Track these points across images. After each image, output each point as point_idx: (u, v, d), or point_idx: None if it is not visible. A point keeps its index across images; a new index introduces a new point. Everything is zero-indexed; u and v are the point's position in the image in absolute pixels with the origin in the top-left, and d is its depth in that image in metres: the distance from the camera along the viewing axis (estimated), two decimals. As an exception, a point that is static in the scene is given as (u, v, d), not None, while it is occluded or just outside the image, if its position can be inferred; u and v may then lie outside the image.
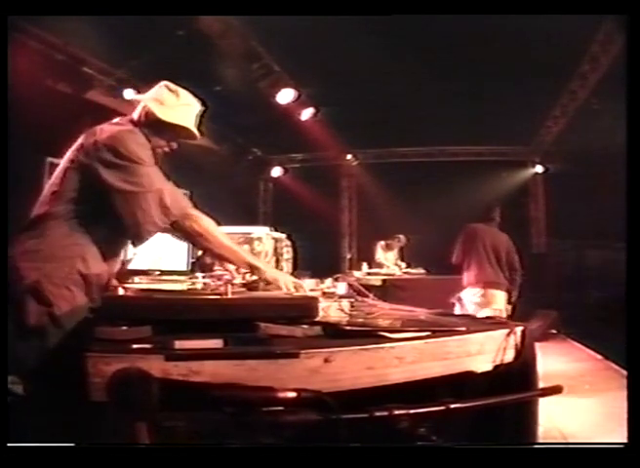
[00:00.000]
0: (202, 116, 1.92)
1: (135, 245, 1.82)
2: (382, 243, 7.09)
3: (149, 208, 1.61)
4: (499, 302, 4.55)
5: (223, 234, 1.73)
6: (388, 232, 7.27)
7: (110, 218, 1.63)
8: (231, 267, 1.97)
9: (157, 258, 2.99)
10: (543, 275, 8.14)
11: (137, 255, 2.27)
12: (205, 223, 1.69)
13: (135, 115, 1.83)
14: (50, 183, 1.73)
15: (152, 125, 1.80)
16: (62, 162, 1.74)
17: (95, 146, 1.65)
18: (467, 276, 4.71)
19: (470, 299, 4.63)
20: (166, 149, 1.87)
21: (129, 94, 5.68)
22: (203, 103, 1.90)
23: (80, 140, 1.73)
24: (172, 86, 1.85)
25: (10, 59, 1.61)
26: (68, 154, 1.73)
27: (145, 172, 1.65)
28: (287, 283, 1.69)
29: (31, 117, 3.76)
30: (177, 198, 1.67)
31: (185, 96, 1.85)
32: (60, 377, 1.25)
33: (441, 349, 1.27)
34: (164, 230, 1.69)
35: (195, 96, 1.88)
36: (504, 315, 4.35)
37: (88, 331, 1.18)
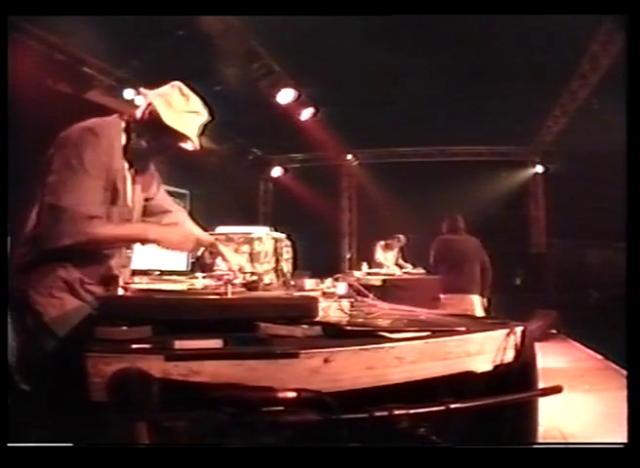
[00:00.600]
0: (206, 125, 1.87)
1: None
2: (382, 243, 7.09)
3: (44, 221, 1.57)
4: (471, 304, 4.96)
5: (111, 230, 1.67)
6: (388, 232, 7.26)
7: None
8: (234, 267, 1.97)
9: (157, 258, 2.99)
10: (543, 275, 8.16)
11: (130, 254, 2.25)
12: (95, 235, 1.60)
13: (139, 112, 1.77)
14: None
15: (154, 125, 1.72)
16: None
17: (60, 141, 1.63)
18: (443, 284, 5.09)
19: (446, 303, 4.94)
20: (161, 153, 1.84)
21: (129, 94, 5.68)
22: (211, 112, 1.84)
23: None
24: (184, 89, 1.78)
25: (10, 59, 1.61)
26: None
27: (71, 181, 1.56)
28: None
29: (31, 117, 3.76)
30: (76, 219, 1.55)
31: (195, 102, 1.79)
32: (61, 378, 1.25)
33: (441, 349, 1.27)
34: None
35: (205, 103, 1.82)
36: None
37: (88, 332, 1.18)
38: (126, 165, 1.75)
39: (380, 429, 1.00)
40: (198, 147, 1.82)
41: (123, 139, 1.73)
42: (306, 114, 6.97)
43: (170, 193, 2.21)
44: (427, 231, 7.86)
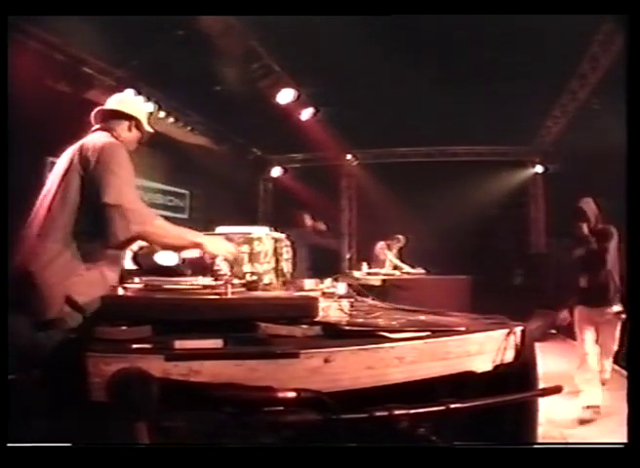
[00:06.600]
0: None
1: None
2: (383, 243, 7.10)
3: (112, 221, 1.70)
4: None
5: (170, 226, 1.89)
6: (388, 232, 7.27)
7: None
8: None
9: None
10: (543, 275, 8.15)
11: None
12: (158, 226, 1.83)
13: (123, 129, 2.01)
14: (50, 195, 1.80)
15: (137, 136, 2.05)
16: (57, 175, 1.82)
17: (85, 157, 1.77)
18: None
19: None
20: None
21: (129, 94, 5.68)
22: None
23: (70, 154, 1.82)
24: (130, 95, 2.08)
25: (10, 59, 1.61)
26: (63, 168, 1.81)
27: (118, 183, 1.74)
28: (220, 250, 1.93)
29: (31, 117, 3.76)
30: (138, 212, 1.76)
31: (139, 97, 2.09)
32: (61, 377, 1.25)
33: (441, 349, 1.27)
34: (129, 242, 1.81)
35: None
36: None
37: (88, 332, 1.18)
38: None
39: (380, 429, 1.00)
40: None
41: None
42: (306, 114, 6.96)
43: (170, 193, 2.28)
44: (427, 231, 7.89)
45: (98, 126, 2.00)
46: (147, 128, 2.09)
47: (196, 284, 1.82)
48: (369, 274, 6.09)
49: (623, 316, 3.53)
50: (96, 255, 1.77)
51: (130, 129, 2.03)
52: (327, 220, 6.75)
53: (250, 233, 2.22)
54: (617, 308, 3.59)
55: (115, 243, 1.73)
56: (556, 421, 3.23)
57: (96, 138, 1.87)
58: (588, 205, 3.83)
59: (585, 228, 3.69)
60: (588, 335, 3.71)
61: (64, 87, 5.28)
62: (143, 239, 1.85)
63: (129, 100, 2.15)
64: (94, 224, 1.73)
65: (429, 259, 6.91)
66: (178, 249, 2.02)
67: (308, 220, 5.89)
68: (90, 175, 1.75)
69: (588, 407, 3.50)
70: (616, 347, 3.69)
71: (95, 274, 1.76)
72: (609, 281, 3.62)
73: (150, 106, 2.12)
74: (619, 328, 3.60)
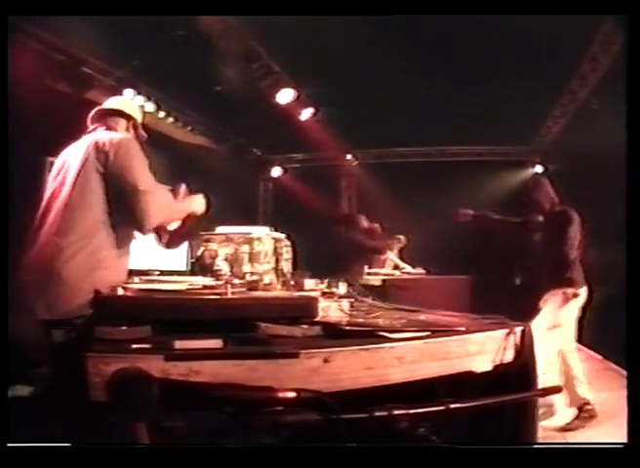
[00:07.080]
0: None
1: None
2: None
3: (147, 207, 1.82)
4: None
5: (178, 206, 2.09)
6: (388, 232, 7.26)
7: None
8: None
9: (157, 258, 2.99)
10: (543, 275, 8.14)
11: None
12: (178, 211, 2.09)
13: (122, 129, 2.08)
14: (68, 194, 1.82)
15: (136, 136, 2.13)
16: (73, 172, 1.84)
17: (103, 152, 1.83)
18: None
19: None
20: None
21: (129, 94, 5.68)
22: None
23: (83, 151, 1.85)
24: (127, 98, 2.20)
25: (10, 59, 1.61)
26: (78, 164, 1.83)
27: (147, 172, 1.87)
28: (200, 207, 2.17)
29: (31, 117, 3.76)
30: (167, 197, 1.96)
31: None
32: (61, 377, 1.25)
33: (441, 349, 1.27)
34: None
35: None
36: None
37: (88, 331, 1.18)
38: None
39: (380, 429, 1.00)
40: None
41: None
42: (306, 114, 6.96)
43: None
44: (427, 231, 7.88)
45: (100, 125, 2.02)
46: (142, 132, 2.18)
47: (196, 284, 1.82)
48: (369, 274, 6.08)
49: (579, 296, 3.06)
50: (116, 246, 1.83)
51: (128, 129, 2.09)
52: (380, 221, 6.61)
53: (250, 233, 2.22)
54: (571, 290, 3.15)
55: (149, 227, 1.84)
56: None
57: (108, 135, 1.92)
58: (542, 189, 3.40)
59: (540, 219, 3.29)
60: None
61: (64, 87, 5.28)
62: (167, 222, 2.05)
63: (127, 102, 2.24)
64: (120, 214, 1.80)
65: (429, 259, 6.91)
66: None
67: (364, 222, 5.75)
68: (112, 168, 1.81)
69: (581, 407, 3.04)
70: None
71: (116, 266, 1.83)
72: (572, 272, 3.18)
73: (149, 107, 2.23)
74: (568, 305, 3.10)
